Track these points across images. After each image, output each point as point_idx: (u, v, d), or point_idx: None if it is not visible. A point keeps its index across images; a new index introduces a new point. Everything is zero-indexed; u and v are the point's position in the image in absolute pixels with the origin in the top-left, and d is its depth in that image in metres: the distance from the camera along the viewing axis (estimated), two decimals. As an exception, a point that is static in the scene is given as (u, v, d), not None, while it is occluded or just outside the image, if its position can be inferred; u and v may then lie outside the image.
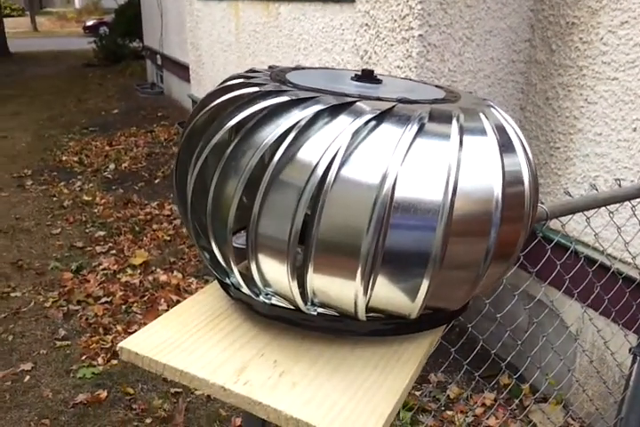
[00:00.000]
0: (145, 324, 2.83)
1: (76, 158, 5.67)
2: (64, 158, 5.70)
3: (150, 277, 3.38)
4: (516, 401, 2.26)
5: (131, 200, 4.54)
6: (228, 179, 0.81)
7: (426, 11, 2.60)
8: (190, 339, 0.86)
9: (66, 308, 3.10)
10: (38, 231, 4.07)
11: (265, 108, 0.82)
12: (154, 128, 6.79)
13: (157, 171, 5.28)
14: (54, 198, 4.66)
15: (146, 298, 3.16)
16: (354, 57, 3.14)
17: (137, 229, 4.02)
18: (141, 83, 9.91)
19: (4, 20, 15.80)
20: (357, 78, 0.98)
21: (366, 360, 0.82)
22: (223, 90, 0.92)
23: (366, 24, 3.01)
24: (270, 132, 0.79)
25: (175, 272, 3.44)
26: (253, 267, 0.81)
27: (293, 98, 0.81)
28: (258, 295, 0.85)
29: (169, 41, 8.17)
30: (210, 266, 0.90)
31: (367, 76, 0.99)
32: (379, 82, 0.99)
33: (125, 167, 5.39)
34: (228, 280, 0.90)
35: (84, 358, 2.70)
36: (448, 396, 2.33)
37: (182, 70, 7.59)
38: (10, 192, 4.83)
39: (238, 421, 2.30)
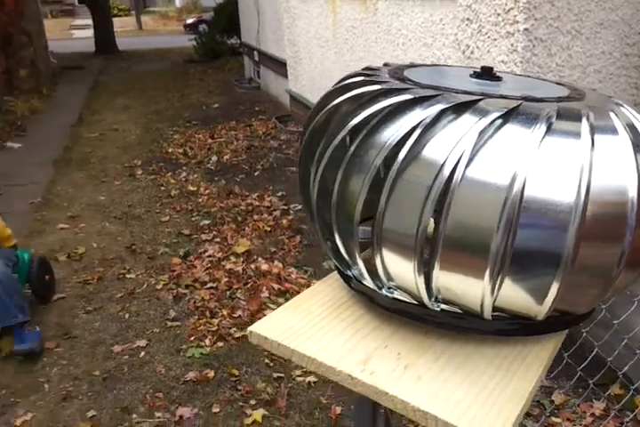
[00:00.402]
0: (249, 310, 2.97)
1: (180, 150, 5.96)
2: (170, 150, 6.00)
3: (252, 266, 3.52)
4: (631, 415, 2.16)
5: (232, 191, 4.73)
6: (351, 176, 0.84)
7: (532, 4, 2.53)
8: (315, 327, 0.91)
9: (175, 291, 3.29)
10: (149, 218, 4.33)
11: (388, 106, 0.84)
12: (252, 122, 7.00)
13: (257, 163, 5.45)
14: (162, 188, 4.93)
15: (249, 285, 3.30)
16: (455, 52, 3.10)
17: (239, 219, 4.19)
18: (239, 78, 10.21)
19: (113, 20, 16.71)
20: (477, 75, 0.99)
21: (489, 359, 0.83)
22: (342, 88, 0.95)
23: (468, 18, 2.96)
24: (394, 131, 0.81)
25: (276, 262, 3.55)
26: (378, 261, 0.84)
27: (416, 96, 0.84)
28: (380, 289, 0.89)
29: (265, 38, 8.36)
30: (333, 258, 0.94)
31: (487, 73, 0.99)
32: (499, 79, 0.99)
33: (227, 160, 5.60)
34: (349, 272, 0.94)
35: (192, 338, 2.87)
36: (552, 402, 2.28)
37: (278, 66, 7.76)
38: (122, 181, 5.16)
39: (338, 409, 2.37)
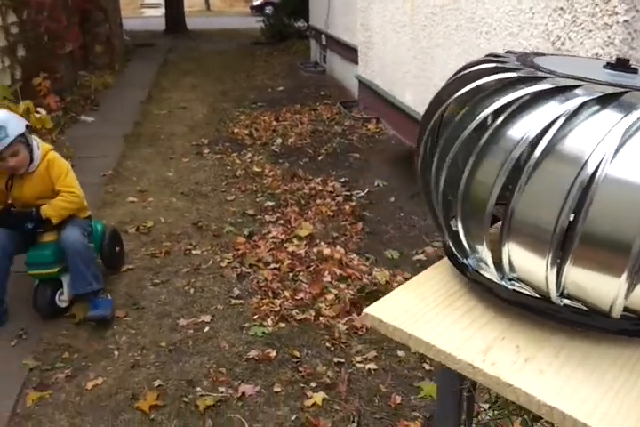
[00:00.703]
0: (311, 293, 2.96)
1: (246, 131, 6.00)
2: (236, 131, 6.06)
3: (315, 250, 3.52)
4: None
5: (296, 174, 4.74)
6: (483, 166, 0.81)
7: (634, -6, 2.39)
8: (430, 313, 0.89)
9: (239, 269, 3.33)
10: (214, 197, 4.39)
11: (526, 95, 0.81)
12: (317, 106, 6.98)
13: (320, 148, 5.44)
14: (228, 167, 4.99)
15: (311, 269, 3.30)
16: (544, 42, 2.98)
17: (302, 202, 4.20)
18: (305, 61, 10.19)
19: (184, -1, 16.90)
20: (611, 67, 0.93)
21: (612, 360, 0.79)
22: (469, 76, 0.92)
23: (561, 8, 2.84)
24: (533, 121, 0.78)
25: (338, 247, 3.55)
26: (504, 252, 0.81)
27: (557, 85, 0.80)
28: (501, 280, 0.86)
29: (334, 22, 8.29)
30: (452, 246, 0.92)
31: (622, 65, 0.93)
32: (635, 71, 0.93)
33: (291, 143, 5.61)
34: (466, 261, 0.91)
35: (255, 317, 2.90)
36: None
37: (346, 50, 7.69)
38: (190, 159, 5.25)
39: (399, 398, 2.35)
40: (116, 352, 2.67)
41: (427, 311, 0.89)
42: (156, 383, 2.46)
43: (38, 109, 4.88)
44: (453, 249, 0.92)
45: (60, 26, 7.75)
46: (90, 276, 2.78)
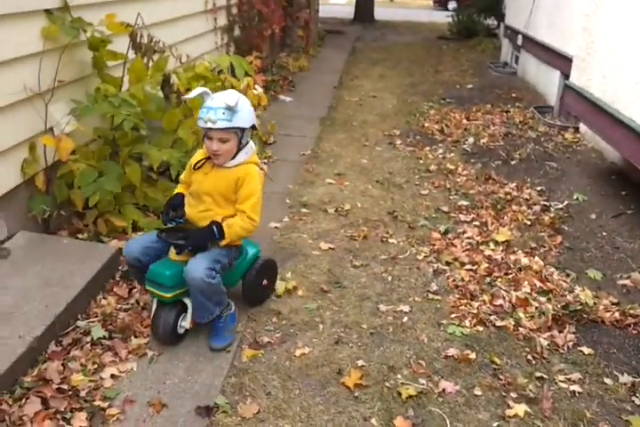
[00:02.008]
0: (511, 302, 2.83)
1: (437, 127, 5.92)
2: (426, 125, 6.00)
3: (512, 257, 3.39)
4: None
5: (491, 176, 4.59)
6: None
7: None
8: None
9: (435, 265, 3.31)
10: (408, 189, 4.39)
11: None
12: (508, 108, 6.70)
13: (514, 152, 5.22)
14: (420, 161, 4.96)
15: (510, 276, 3.18)
16: None
17: (498, 206, 4.05)
18: (494, 61, 9.82)
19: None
20: None
21: None
22: None
23: None
24: None
25: (536, 258, 3.38)
26: None
27: None
28: None
29: (537, 22, 7.84)
30: None
31: None
32: None
33: (483, 143, 5.44)
34: None
35: (452, 316, 2.86)
36: None
37: (545, 53, 7.26)
38: (382, 148, 5.29)
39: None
40: (321, 326, 2.77)
41: None
42: (360, 363, 2.52)
43: (256, 86, 5.17)
44: None
45: (269, 9, 8.14)
46: (212, 306, 2.46)
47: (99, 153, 3.39)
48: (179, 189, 2.67)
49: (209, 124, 2.29)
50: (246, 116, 2.37)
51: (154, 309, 2.52)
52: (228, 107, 2.28)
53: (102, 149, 3.41)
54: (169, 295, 2.42)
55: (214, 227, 2.39)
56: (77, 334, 2.54)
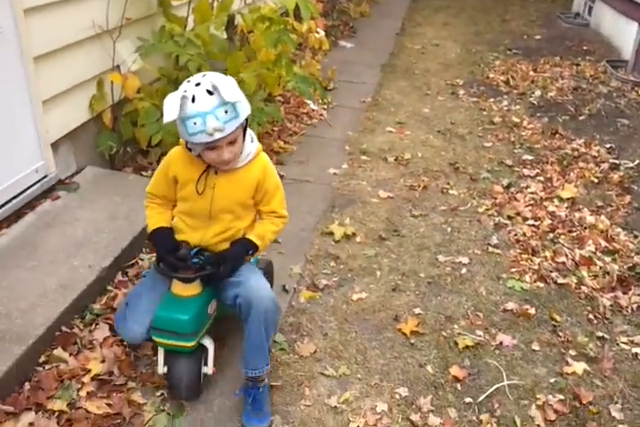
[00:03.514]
0: (574, 260, 2.70)
1: (502, 78, 5.60)
2: (490, 76, 5.69)
3: (577, 215, 3.22)
4: None
5: (557, 131, 4.34)
6: None
7: None
8: None
9: (497, 219, 3.18)
10: (471, 140, 4.20)
11: None
12: (579, 62, 6.26)
13: (583, 107, 4.90)
14: (484, 112, 4.72)
15: (574, 234, 3.04)
16: None
17: (564, 162, 3.84)
18: (564, 11, 9.14)
19: None
20: None
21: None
22: None
23: None
24: None
25: (602, 217, 3.21)
26: None
27: None
28: None
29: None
30: None
31: None
32: None
33: (551, 97, 5.13)
34: None
35: (512, 270, 2.76)
36: None
37: (622, 3, 6.70)
38: (445, 97, 5.06)
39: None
40: (378, 272, 2.72)
41: None
42: (416, 311, 2.47)
43: (318, 30, 4.96)
44: None
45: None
46: (264, 350, 1.88)
47: (162, 92, 3.34)
48: (155, 213, 1.91)
49: (217, 135, 1.60)
50: (244, 99, 1.68)
51: (161, 360, 1.91)
52: (226, 102, 1.59)
53: (166, 88, 3.35)
54: (192, 344, 1.83)
55: (247, 246, 1.86)
56: (141, 267, 2.57)
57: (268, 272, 2.27)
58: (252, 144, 1.83)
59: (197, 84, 1.61)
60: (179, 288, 1.83)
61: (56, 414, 1.82)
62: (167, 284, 1.87)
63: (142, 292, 1.89)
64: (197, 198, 1.82)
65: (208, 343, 1.94)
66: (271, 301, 1.82)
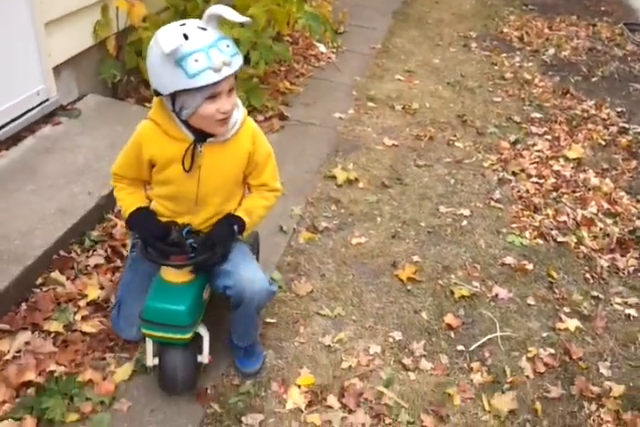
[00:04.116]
0: (575, 219, 2.67)
1: (516, 33, 5.41)
2: (505, 30, 5.49)
3: (581, 175, 3.18)
4: None
5: (568, 91, 4.23)
6: None
7: None
8: None
9: (501, 174, 3.13)
10: (480, 94, 4.08)
11: None
12: (595, 22, 6.05)
13: (596, 68, 4.77)
14: (495, 67, 4.58)
15: (577, 194, 3.00)
16: None
17: (573, 122, 3.76)
18: (585, -31, 8.80)
19: None
20: None
21: None
22: None
23: None
24: None
25: (607, 180, 3.17)
26: None
27: None
28: None
29: None
30: None
31: None
32: None
33: (564, 56, 4.97)
34: None
35: (513, 226, 2.74)
36: None
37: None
38: (457, 49, 4.89)
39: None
40: (379, 219, 2.68)
41: None
42: (415, 259, 2.45)
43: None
44: None
45: None
46: (254, 327, 1.83)
47: (169, 22, 3.18)
48: (126, 194, 1.63)
49: (225, 72, 1.33)
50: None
51: (150, 351, 1.69)
52: (226, 36, 1.37)
53: (173, 18, 3.19)
54: (189, 336, 1.63)
55: (233, 224, 1.61)
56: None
57: (255, 245, 2.03)
58: (237, 112, 1.52)
59: (182, 25, 1.36)
60: (170, 274, 1.60)
61: (52, 335, 1.81)
62: (156, 268, 1.64)
63: (131, 286, 1.72)
64: (183, 180, 1.53)
65: (203, 332, 1.71)
66: (265, 292, 1.64)
